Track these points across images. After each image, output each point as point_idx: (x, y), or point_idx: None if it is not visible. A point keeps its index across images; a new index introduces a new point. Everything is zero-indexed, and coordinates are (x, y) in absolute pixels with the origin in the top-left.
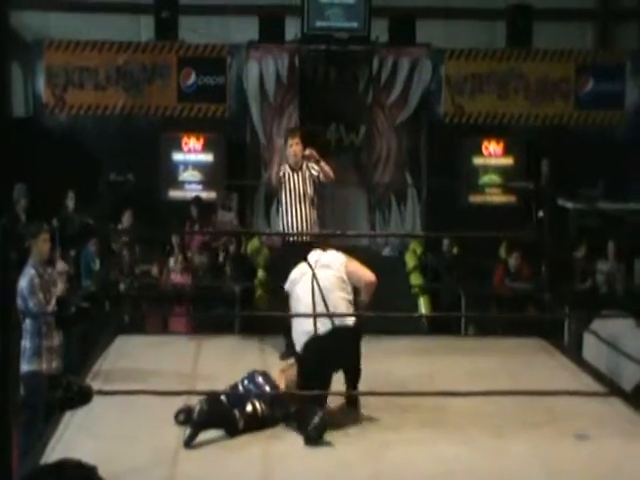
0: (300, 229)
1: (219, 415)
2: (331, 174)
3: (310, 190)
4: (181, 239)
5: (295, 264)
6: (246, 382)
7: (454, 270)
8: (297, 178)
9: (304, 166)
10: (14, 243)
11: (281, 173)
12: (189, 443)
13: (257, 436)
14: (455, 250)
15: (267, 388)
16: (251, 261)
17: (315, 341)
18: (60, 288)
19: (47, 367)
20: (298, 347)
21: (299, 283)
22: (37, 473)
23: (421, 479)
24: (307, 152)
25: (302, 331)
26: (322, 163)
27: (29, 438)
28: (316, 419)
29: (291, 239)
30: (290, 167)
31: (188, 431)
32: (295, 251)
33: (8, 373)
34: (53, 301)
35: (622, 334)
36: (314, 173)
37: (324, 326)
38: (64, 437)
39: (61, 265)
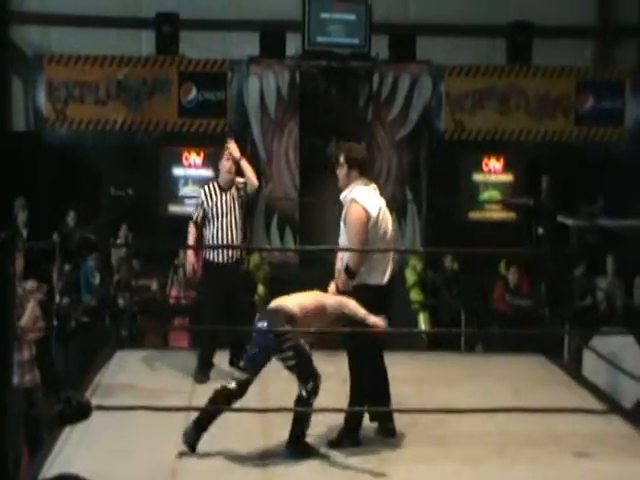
0: (230, 250)
1: None
2: (254, 179)
3: (239, 210)
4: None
5: (217, 285)
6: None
7: (454, 286)
8: (225, 198)
9: (233, 186)
10: (14, 257)
11: (203, 196)
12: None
13: (256, 452)
14: (455, 266)
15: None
16: (252, 277)
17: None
18: (31, 305)
19: (19, 381)
20: (374, 280)
21: (384, 216)
22: None
23: None
24: (229, 143)
25: (384, 268)
26: (243, 162)
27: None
28: (311, 384)
29: (220, 259)
30: (219, 186)
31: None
32: (219, 271)
33: (5, 387)
34: (25, 317)
35: (622, 351)
36: (240, 188)
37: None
38: (63, 452)
39: (30, 283)
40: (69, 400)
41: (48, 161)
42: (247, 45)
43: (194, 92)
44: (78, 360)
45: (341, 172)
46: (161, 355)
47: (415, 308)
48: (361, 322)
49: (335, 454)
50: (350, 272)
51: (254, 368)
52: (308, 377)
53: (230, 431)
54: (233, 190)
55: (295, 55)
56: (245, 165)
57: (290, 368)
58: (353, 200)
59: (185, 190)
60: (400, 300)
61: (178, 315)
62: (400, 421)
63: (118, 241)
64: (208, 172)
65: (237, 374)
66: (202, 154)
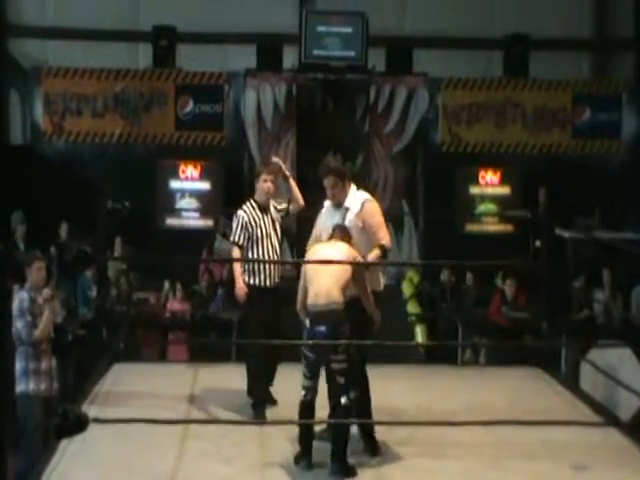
0: (275, 272)
1: None
2: (301, 200)
3: (279, 231)
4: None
5: (263, 310)
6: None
7: (451, 299)
8: (267, 220)
9: (271, 206)
10: (11, 270)
11: (247, 217)
12: None
13: (254, 463)
14: (452, 279)
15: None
16: None
17: None
18: (47, 314)
19: (34, 389)
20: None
21: None
22: None
23: None
24: (274, 160)
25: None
26: (292, 182)
27: (23, 462)
28: (353, 392)
29: (267, 283)
30: (259, 207)
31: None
32: (264, 295)
33: (4, 397)
34: (41, 326)
35: (619, 364)
36: (280, 209)
37: None
38: (59, 465)
39: (46, 291)
40: (66, 413)
41: (45, 174)
42: (244, 58)
43: (191, 105)
44: (75, 373)
45: (336, 190)
46: (159, 368)
47: (412, 321)
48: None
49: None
50: (385, 250)
51: (316, 372)
52: (352, 384)
53: (229, 442)
54: (272, 211)
55: (292, 68)
56: (293, 185)
57: (339, 372)
58: (367, 200)
59: (182, 203)
60: (397, 313)
61: (176, 328)
62: (397, 434)
63: (115, 254)
64: (205, 185)
65: (305, 382)
66: (199, 167)
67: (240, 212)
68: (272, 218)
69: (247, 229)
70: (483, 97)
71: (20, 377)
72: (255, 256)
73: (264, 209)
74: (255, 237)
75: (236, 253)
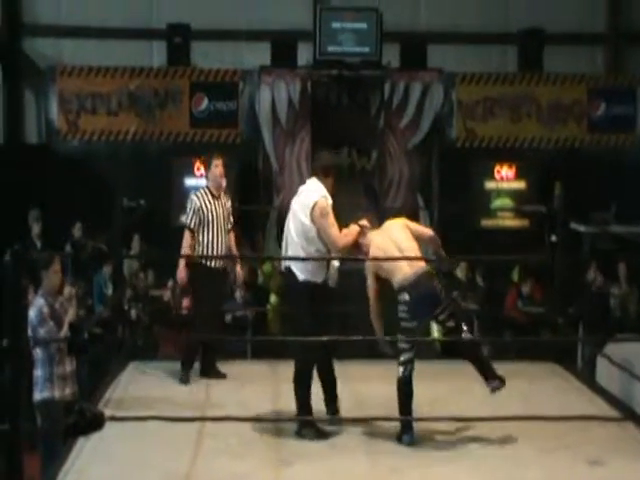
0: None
1: None
2: None
3: (229, 219)
4: None
5: (211, 287)
6: None
7: (468, 294)
8: (217, 205)
9: (222, 194)
10: (27, 270)
11: (199, 202)
12: None
13: (269, 460)
14: (468, 274)
15: None
16: (264, 286)
17: None
18: (71, 313)
19: (60, 394)
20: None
21: None
22: None
23: None
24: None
25: None
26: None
27: (51, 466)
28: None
29: (211, 263)
30: (211, 194)
31: None
32: (212, 274)
33: (19, 401)
34: (65, 328)
35: (636, 358)
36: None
37: None
38: (76, 463)
39: (67, 289)
40: (83, 411)
41: (60, 172)
42: (258, 55)
43: (206, 102)
44: (91, 371)
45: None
46: (174, 366)
47: None
48: None
49: (346, 463)
50: None
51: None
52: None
53: (244, 440)
54: (222, 197)
55: (306, 64)
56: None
57: (450, 329)
58: None
59: None
60: None
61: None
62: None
63: (131, 252)
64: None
65: (402, 358)
66: None
67: (193, 197)
68: (222, 205)
69: (199, 214)
70: (498, 92)
71: (45, 382)
72: (205, 239)
73: (215, 196)
74: (206, 221)
75: (187, 236)
